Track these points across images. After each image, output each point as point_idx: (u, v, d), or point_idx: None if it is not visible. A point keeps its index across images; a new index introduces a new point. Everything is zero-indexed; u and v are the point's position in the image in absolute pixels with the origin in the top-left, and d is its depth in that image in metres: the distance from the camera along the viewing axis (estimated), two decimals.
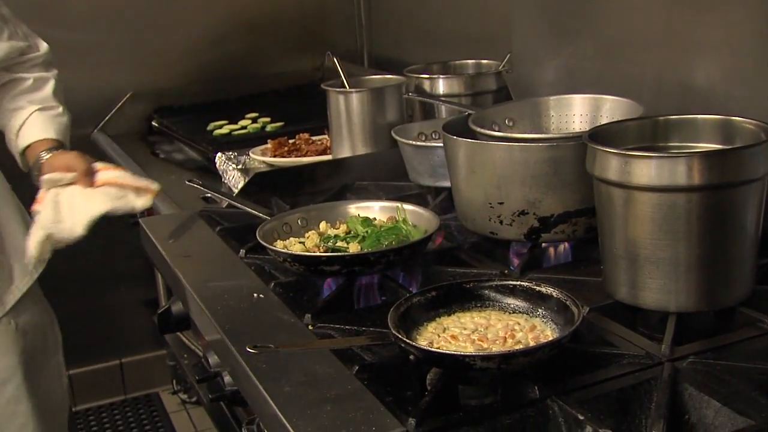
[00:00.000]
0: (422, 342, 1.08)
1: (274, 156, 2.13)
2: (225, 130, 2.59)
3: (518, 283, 1.16)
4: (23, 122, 1.78)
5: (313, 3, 3.14)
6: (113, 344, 3.16)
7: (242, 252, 1.51)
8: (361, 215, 1.49)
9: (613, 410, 1.01)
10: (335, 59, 2.05)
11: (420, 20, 2.75)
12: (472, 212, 1.43)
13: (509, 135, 1.45)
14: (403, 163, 1.76)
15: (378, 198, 1.65)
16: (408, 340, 1.04)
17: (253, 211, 1.58)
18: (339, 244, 1.40)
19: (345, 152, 1.95)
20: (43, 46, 1.84)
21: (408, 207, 1.49)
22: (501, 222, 1.38)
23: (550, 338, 1.06)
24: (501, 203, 1.37)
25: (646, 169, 1.10)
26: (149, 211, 1.87)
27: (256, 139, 2.35)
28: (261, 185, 1.81)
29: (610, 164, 1.14)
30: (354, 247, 1.37)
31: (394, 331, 1.05)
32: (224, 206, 1.72)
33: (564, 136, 1.38)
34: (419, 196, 1.73)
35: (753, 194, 1.12)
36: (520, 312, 1.14)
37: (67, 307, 1.94)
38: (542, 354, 1.01)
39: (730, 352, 1.09)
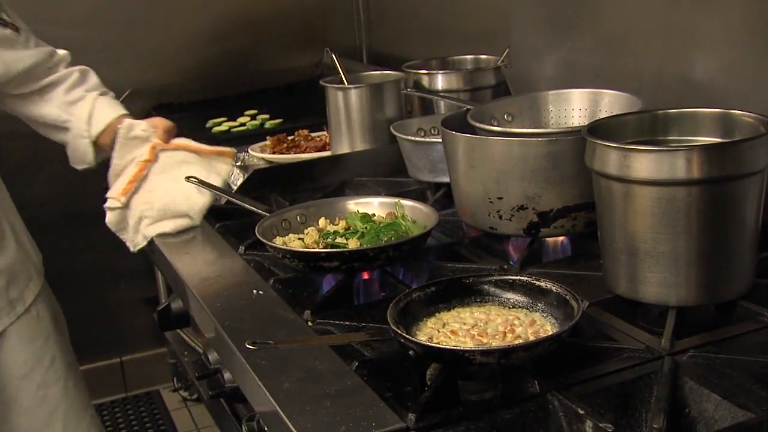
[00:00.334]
0: (422, 337, 1.07)
1: (273, 153, 2.12)
2: (224, 127, 2.59)
3: (518, 277, 1.16)
4: (91, 109, 1.78)
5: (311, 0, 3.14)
6: (114, 342, 3.16)
7: (241, 248, 1.51)
8: (360, 211, 1.49)
9: (614, 404, 1.01)
10: (333, 55, 2.05)
11: (418, 16, 2.74)
12: (472, 207, 1.43)
13: (508, 130, 1.45)
14: (402, 158, 1.76)
15: (377, 194, 1.65)
16: (407, 336, 1.04)
17: (252, 208, 1.58)
18: (338, 240, 1.40)
19: (344, 148, 1.95)
20: (60, 50, 1.86)
21: (407, 203, 1.49)
22: (500, 217, 1.38)
23: (550, 333, 1.06)
24: (500, 198, 1.36)
25: (646, 163, 1.10)
26: None
27: (255, 135, 2.35)
28: (260, 182, 1.81)
29: (610, 158, 1.13)
30: (353, 243, 1.37)
31: (393, 327, 1.05)
32: (223, 203, 1.72)
33: (563, 131, 1.38)
34: (418, 191, 1.73)
35: (753, 187, 1.12)
36: (519, 307, 1.14)
37: (68, 305, 1.94)
38: (542, 349, 1.01)
39: (731, 346, 1.09)
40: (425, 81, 2.00)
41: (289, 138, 2.19)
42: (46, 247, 1.88)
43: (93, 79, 1.85)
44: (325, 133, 2.17)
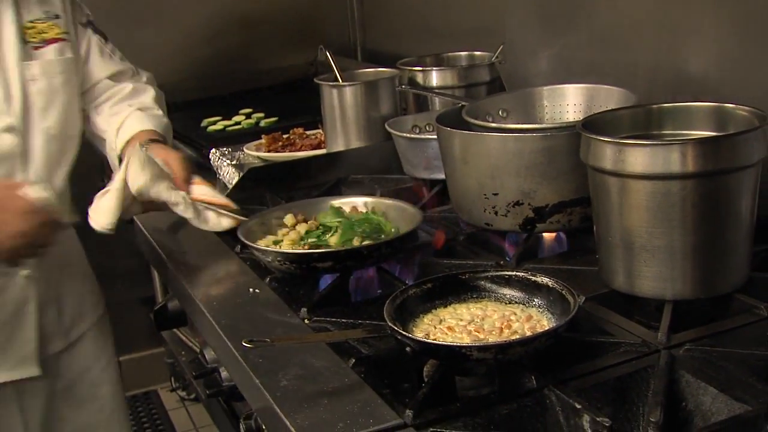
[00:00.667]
0: (419, 334, 1.07)
1: (269, 151, 2.12)
2: (219, 126, 2.59)
3: (514, 273, 1.16)
4: (123, 120, 1.72)
5: None
6: None
7: (238, 247, 1.51)
8: (334, 205, 1.50)
9: (611, 398, 1.02)
10: (328, 53, 2.05)
11: (413, 13, 2.74)
12: (467, 204, 1.43)
13: (503, 126, 1.45)
14: (397, 156, 1.76)
15: (361, 194, 1.62)
16: (404, 332, 1.04)
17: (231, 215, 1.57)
18: (313, 240, 1.40)
19: (339, 146, 1.95)
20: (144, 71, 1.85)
21: (388, 201, 1.49)
22: (496, 213, 1.38)
23: (547, 328, 1.06)
24: (496, 194, 1.36)
25: (641, 158, 1.10)
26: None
27: (250, 134, 2.35)
28: (255, 180, 1.81)
29: (605, 153, 1.14)
30: (333, 240, 1.37)
31: (390, 324, 1.05)
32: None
33: (558, 126, 1.38)
34: (414, 188, 1.73)
35: (747, 180, 1.12)
36: (516, 302, 1.14)
37: None
38: (539, 344, 1.01)
39: (727, 339, 1.09)
40: (420, 78, 2.00)
41: (284, 136, 2.19)
42: None
43: (146, 96, 1.80)
44: (320, 131, 2.16)
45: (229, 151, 2.12)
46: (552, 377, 1.00)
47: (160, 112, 1.80)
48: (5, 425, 1.61)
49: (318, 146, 2.10)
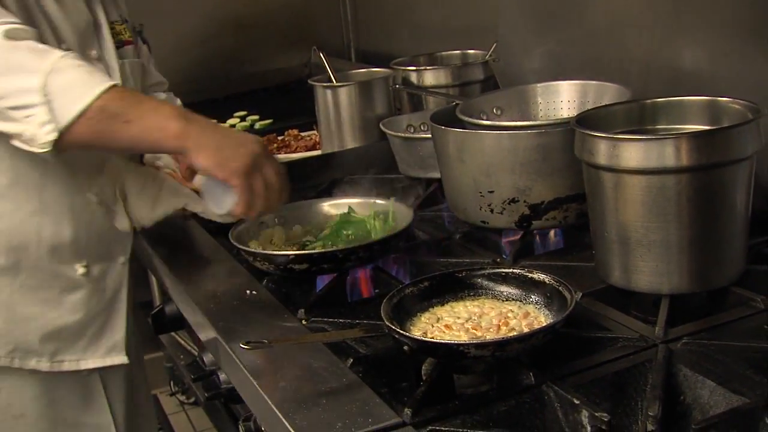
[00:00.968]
0: (416, 332, 1.07)
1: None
2: None
3: (510, 270, 1.16)
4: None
5: (299, 0, 3.13)
6: None
7: (234, 249, 1.51)
8: (334, 213, 1.50)
9: (609, 394, 1.02)
10: (321, 54, 2.05)
11: (406, 13, 2.74)
12: (463, 202, 1.43)
13: (497, 123, 1.45)
14: (392, 155, 1.76)
15: (352, 195, 1.62)
16: (402, 331, 1.04)
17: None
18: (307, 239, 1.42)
19: (334, 147, 1.95)
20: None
21: (381, 202, 1.49)
22: (492, 210, 1.38)
23: (544, 324, 1.06)
24: (491, 192, 1.36)
25: (635, 152, 1.10)
26: None
27: None
28: None
29: (599, 148, 1.14)
30: (318, 245, 1.39)
31: (387, 323, 1.05)
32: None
33: (552, 123, 1.38)
34: (409, 188, 1.73)
35: (742, 174, 1.12)
36: (513, 299, 1.14)
37: None
38: (536, 340, 1.01)
39: (724, 332, 1.09)
40: (414, 77, 2.00)
41: (279, 138, 2.19)
42: None
43: (176, 101, 1.81)
44: (314, 132, 2.17)
45: None
46: (550, 373, 1.00)
47: None
48: (96, 412, 1.60)
49: (313, 147, 2.11)
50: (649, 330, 1.10)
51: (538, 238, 1.42)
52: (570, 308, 1.03)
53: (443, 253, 1.44)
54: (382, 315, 1.06)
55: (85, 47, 1.47)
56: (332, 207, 1.52)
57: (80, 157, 1.45)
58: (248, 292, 1.34)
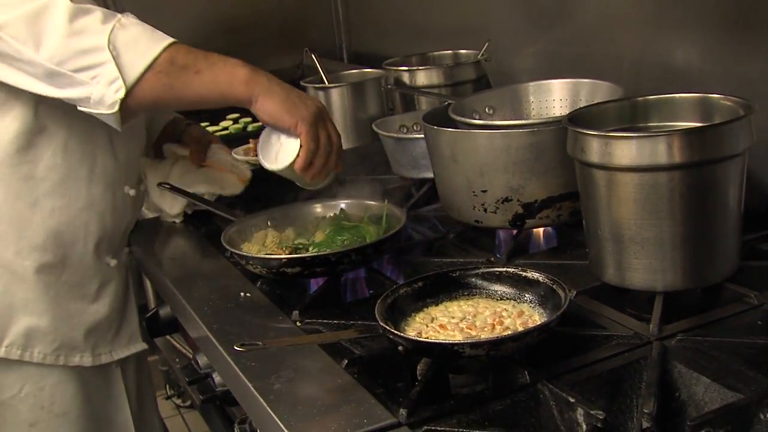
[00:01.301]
0: (411, 333, 1.07)
1: (257, 155, 2.11)
2: None
3: (504, 269, 1.16)
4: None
5: (291, 1, 3.13)
6: None
7: (228, 252, 1.50)
8: (326, 216, 1.50)
9: (604, 391, 1.02)
10: (313, 56, 2.05)
11: (397, 13, 2.74)
12: (457, 202, 1.43)
13: (490, 123, 1.45)
14: (385, 156, 1.76)
15: (344, 197, 1.62)
16: (396, 332, 1.04)
17: (221, 213, 1.56)
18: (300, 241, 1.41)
19: None
20: None
21: (372, 204, 1.49)
22: (485, 210, 1.38)
23: (538, 323, 1.06)
24: (484, 191, 1.36)
25: (627, 150, 1.10)
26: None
27: (238, 139, 2.32)
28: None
29: (591, 146, 1.14)
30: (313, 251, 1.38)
31: (382, 323, 1.05)
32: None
33: (544, 121, 1.38)
34: (403, 188, 1.73)
35: (734, 170, 1.12)
36: (507, 298, 1.14)
37: None
38: (531, 339, 1.01)
39: (718, 329, 1.09)
40: (406, 78, 2.00)
41: None
42: None
43: None
44: None
45: None
46: (545, 372, 1.00)
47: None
48: (119, 408, 1.61)
49: None
50: (644, 327, 1.10)
51: (531, 236, 1.42)
52: (564, 306, 1.03)
53: (437, 252, 1.44)
54: (377, 315, 1.06)
55: None
56: (325, 208, 1.52)
57: (120, 149, 1.48)
58: (242, 294, 1.34)
